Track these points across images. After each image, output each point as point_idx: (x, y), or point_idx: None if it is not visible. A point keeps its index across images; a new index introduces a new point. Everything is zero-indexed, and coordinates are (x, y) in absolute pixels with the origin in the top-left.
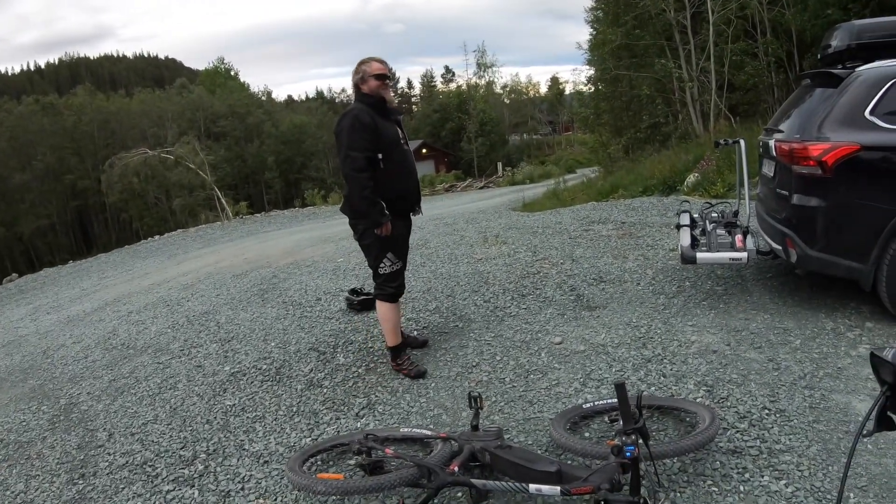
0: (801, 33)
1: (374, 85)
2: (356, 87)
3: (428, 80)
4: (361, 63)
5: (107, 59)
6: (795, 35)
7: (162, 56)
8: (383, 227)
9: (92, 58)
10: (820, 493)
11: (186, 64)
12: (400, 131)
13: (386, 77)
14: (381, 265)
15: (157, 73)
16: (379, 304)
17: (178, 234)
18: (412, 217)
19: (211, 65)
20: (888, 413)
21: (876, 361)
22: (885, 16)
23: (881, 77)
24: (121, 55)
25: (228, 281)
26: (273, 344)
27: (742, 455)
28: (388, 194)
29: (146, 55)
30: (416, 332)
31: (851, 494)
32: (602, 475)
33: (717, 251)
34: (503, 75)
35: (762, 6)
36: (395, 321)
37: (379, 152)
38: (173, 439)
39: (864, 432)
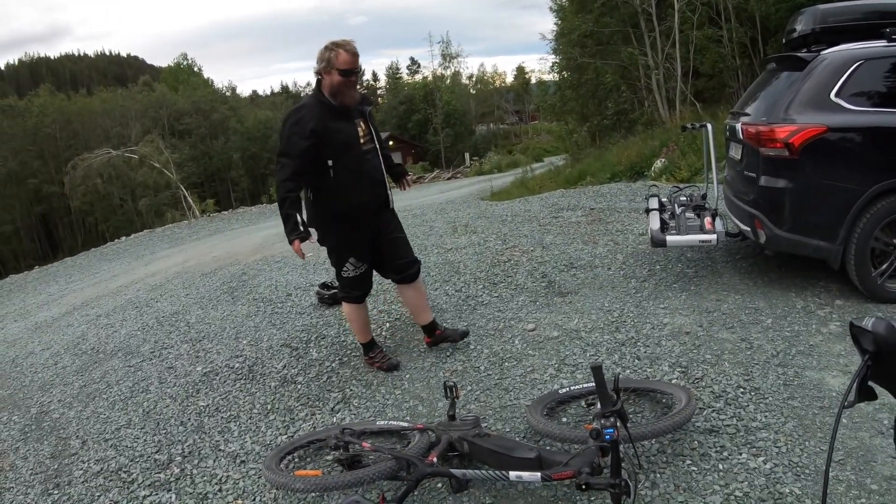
0: (764, 19)
1: (337, 82)
2: (318, 74)
3: (393, 72)
4: (328, 48)
5: (68, 59)
6: (759, 21)
7: (124, 54)
8: (293, 244)
9: (52, 57)
10: (798, 468)
11: (149, 61)
12: (363, 128)
13: (353, 73)
14: (344, 269)
15: (119, 71)
16: (344, 305)
17: (144, 234)
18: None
19: (174, 61)
20: (868, 383)
21: (856, 331)
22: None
23: (846, 60)
24: (82, 54)
25: (197, 280)
26: (245, 342)
27: (719, 434)
28: (339, 206)
29: (107, 53)
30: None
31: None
32: (582, 459)
33: (687, 234)
34: (469, 66)
35: None
36: (363, 320)
37: (329, 158)
38: (147, 443)
39: (846, 403)
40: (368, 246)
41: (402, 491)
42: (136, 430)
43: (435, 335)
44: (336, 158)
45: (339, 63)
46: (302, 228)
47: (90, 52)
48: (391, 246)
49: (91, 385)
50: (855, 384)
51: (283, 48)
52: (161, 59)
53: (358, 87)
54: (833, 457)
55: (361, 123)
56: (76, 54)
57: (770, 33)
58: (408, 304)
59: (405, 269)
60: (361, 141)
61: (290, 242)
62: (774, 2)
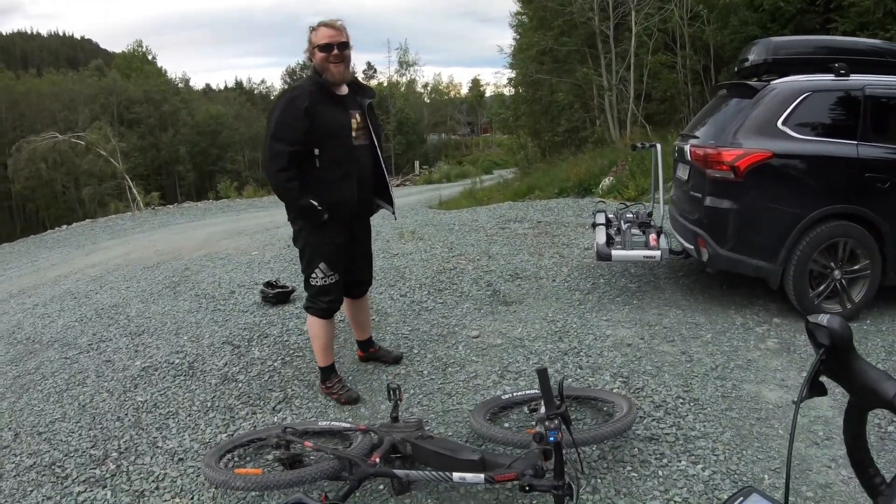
0: (718, 49)
1: (319, 58)
2: (310, 60)
3: None
4: (311, 28)
5: (19, 36)
6: (713, 50)
7: (77, 36)
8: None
9: (4, 34)
10: (735, 476)
11: (103, 45)
12: (357, 120)
13: (333, 47)
14: (313, 275)
15: (71, 53)
16: (309, 319)
17: (86, 224)
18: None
19: (128, 48)
20: (820, 378)
21: (811, 327)
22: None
23: (795, 91)
24: (34, 32)
25: (139, 273)
26: (185, 338)
27: (659, 442)
28: (318, 200)
29: (60, 34)
30: (389, 346)
31: (766, 476)
32: (525, 462)
33: (632, 249)
34: (425, 74)
35: (683, 21)
36: (326, 339)
37: (315, 147)
38: (83, 438)
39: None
40: (343, 253)
41: (345, 491)
42: (72, 424)
43: (369, 352)
44: (323, 148)
45: (317, 38)
46: (321, 207)
47: (43, 32)
48: (359, 260)
49: (25, 376)
50: (809, 378)
51: (239, 43)
52: (115, 44)
53: (346, 65)
54: (769, 465)
55: (357, 116)
56: (28, 32)
57: (723, 62)
58: (350, 316)
59: (359, 286)
60: (353, 134)
61: (318, 225)
62: (729, 32)
